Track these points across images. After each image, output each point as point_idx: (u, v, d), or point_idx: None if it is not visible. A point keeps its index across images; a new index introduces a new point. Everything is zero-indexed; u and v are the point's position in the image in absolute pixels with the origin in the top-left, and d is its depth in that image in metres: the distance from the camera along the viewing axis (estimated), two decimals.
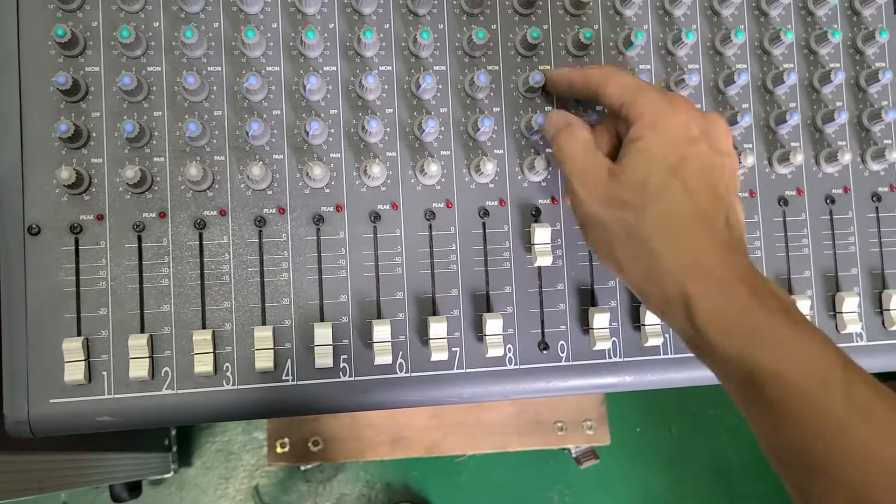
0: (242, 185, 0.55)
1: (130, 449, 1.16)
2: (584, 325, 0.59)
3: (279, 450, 1.44)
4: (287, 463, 1.46)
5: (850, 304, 0.60)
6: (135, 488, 1.28)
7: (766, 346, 0.42)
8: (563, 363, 0.59)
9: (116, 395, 0.53)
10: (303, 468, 1.54)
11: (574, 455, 1.54)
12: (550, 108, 0.59)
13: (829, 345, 0.42)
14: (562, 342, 0.59)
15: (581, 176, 0.50)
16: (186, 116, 0.55)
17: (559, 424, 1.49)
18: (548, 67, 0.59)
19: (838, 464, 0.39)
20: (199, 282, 0.55)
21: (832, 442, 0.39)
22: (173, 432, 1.43)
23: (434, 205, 0.58)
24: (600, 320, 0.58)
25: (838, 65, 0.63)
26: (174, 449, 1.43)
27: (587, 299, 0.59)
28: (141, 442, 1.25)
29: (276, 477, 1.55)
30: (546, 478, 1.60)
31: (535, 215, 0.59)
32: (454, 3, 0.59)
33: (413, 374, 0.57)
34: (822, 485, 0.40)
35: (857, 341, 0.62)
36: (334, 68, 0.57)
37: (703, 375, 0.58)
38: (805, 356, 0.41)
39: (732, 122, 0.59)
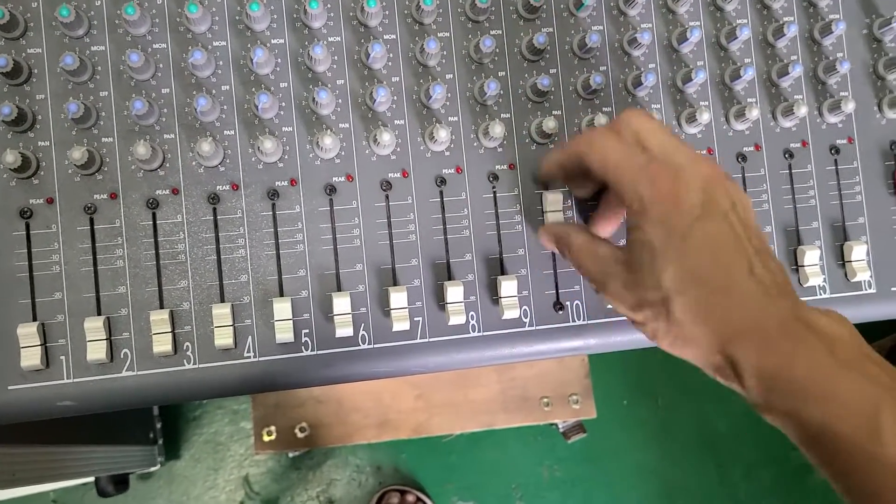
0: (194, 163, 0.55)
1: (112, 441, 1.15)
2: (548, 290, 0.59)
3: (266, 438, 1.44)
4: (275, 451, 1.46)
5: (812, 257, 0.60)
6: (121, 482, 1.27)
7: (809, 400, 0.41)
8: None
9: (76, 380, 0.53)
10: (291, 455, 1.54)
11: (562, 430, 1.54)
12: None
13: (877, 385, 0.41)
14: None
15: (600, 282, 0.51)
16: (133, 95, 0.54)
17: (545, 400, 1.49)
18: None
19: None
20: (154, 262, 0.54)
21: (886, 486, 0.39)
22: (159, 425, 1.43)
23: (390, 175, 0.57)
24: None
25: (792, 18, 0.63)
26: (160, 441, 1.43)
27: None
28: (123, 434, 1.25)
29: (266, 465, 1.55)
30: (535, 454, 1.61)
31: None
32: None
33: (376, 346, 0.56)
34: None
35: (821, 294, 0.62)
36: (282, 41, 0.56)
37: None
38: (851, 405, 0.40)
39: (687, 79, 0.59)
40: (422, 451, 1.57)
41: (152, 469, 1.44)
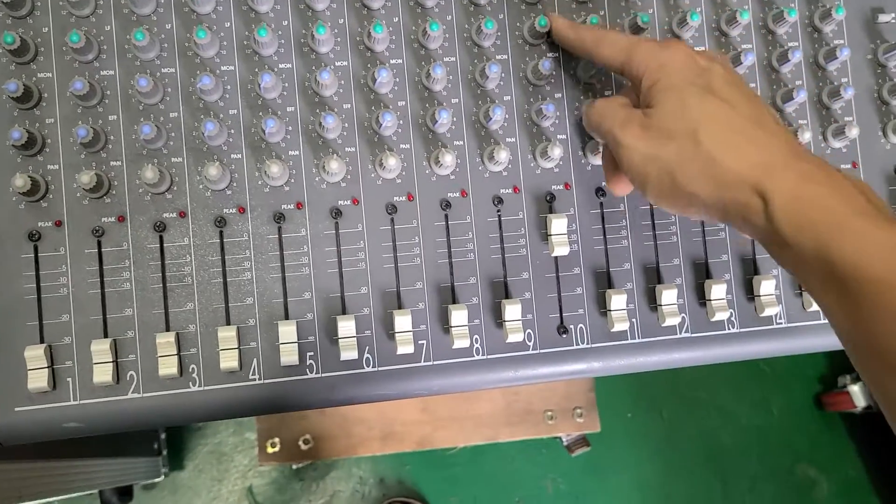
0: (201, 186, 0.55)
1: (116, 454, 1.16)
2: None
3: (270, 449, 1.44)
4: (279, 462, 1.46)
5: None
6: (126, 493, 1.28)
7: (845, 238, 0.41)
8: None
9: (82, 401, 0.53)
10: (295, 467, 1.54)
11: (565, 443, 1.54)
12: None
13: None
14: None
15: (623, 126, 0.50)
16: (141, 119, 0.55)
17: (549, 413, 1.49)
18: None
19: None
20: (161, 284, 0.55)
21: None
22: (163, 436, 1.43)
23: (395, 198, 0.58)
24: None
25: (796, 44, 0.63)
26: (164, 452, 1.43)
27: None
28: (128, 447, 1.25)
29: (269, 477, 1.55)
30: (539, 467, 1.60)
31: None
32: None
33: (380, 369, 0.57)
34: None
35: (818, 320, 0.62)
36: (289, 65, 0.57)
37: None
38: (884, 247, 0.40)
39: None
40: (425, 464, 1.57)
41: (156, 480, 1.44)
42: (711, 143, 0.46)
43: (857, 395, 1.58)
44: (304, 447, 1.44)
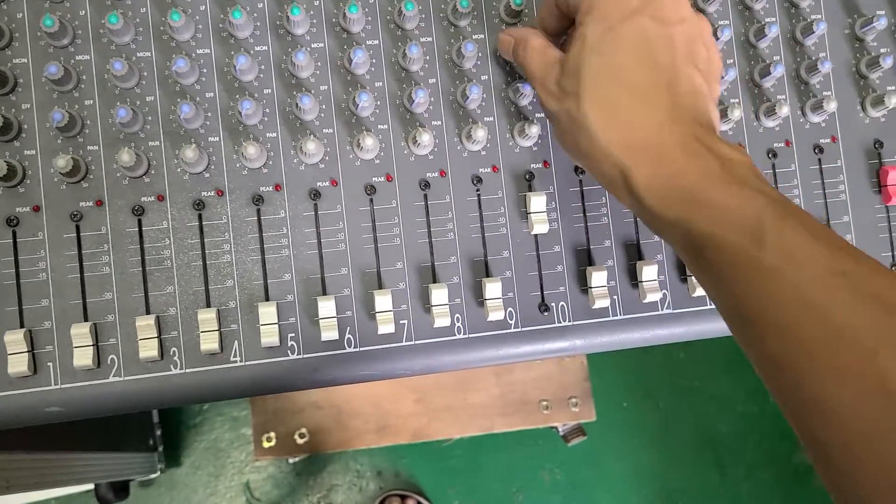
0: (179, 170, 0.55)
1: (110, 448, 1.16)
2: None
3: (266, 444, 1.44)
4: (275, 457, 1.47)
5: None
6: (122, 489, 1.28)
7: (699, 210, 0.43)
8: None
9: (63, 386, 0.53)
10: (291, 461, 1.54)
11: (562, 433, 1.55)
12: None
13: (765, 197, 0.42)
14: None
15: (539, 79, 0.52)
16: (118, 103, 0.55)
17: (544, 403, 1.50)
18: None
19: (770, 311, 0.39)
20: (140, 268, 0.55)
21: (762, 291, 0.40)
22: (158, 432, 1.43)
23: (374, 179, 0.58)
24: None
25: (773, 18, 0.63)
26: (160, 448, 1.43)
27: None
28: (122, 441, 1.25)
29: (267, 472, 1.55)
30: (535, 457, 1.61)
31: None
32: None
33: (362, 349, 0.57)
34: (759, 332, 0.40)
35: None
36: (265, 48, 0.57)
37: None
38: (735, 214, 0.41)
39: None
40: (422, 456, 1.57)
41: (153, 476, 1.44)
42: (587, 112, 0.47)
43: None
44: (300, 441, 1.44)
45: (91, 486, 1.24)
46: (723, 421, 1.66)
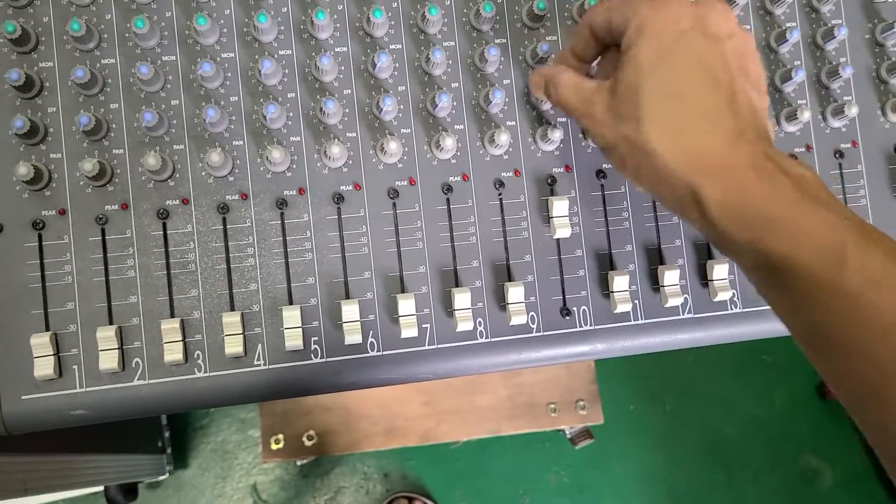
0: (203, 173, 0.56)
1: (120, 450, 1.16)
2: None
3: (274, 446, 1.44)
4: (282, 459, 1.46)
5: None
6: (130, 491, 1.28)
7: (776, 232, 0.42)
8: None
9: (88, 389, 0.53)
10: (299, 463, 1.54)
11: (569, 436, 1.54)
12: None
13: (843, 219, 0.41)
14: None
15: (582, 113, 0.50)
16: (143, 107, 0.55)
17: (552, 406, 1.49)
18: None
19: (853, 336, 0.39)
20: (164, 271, 0.55)
21: (844, 315, 0.39)
22: (167, 434, 1.43)
23: (397, 183, 0.58)
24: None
25: (794, 23, 0.63)
26: (168, 450, 1.43)
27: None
28: (132, 443, 1.25)
29: (274, 474, 1.55)
30: (542, 460, 1.61)
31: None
32: None
33: (385, 353, 0.57)
34: (842, 360, 0.40)
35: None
36: (289, 52, 0.57)
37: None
38: (814, 236, 0.41)
39: None
40: (429, 458, 1.57)
41: (161, 478, 1.44)
42: (649, 136, 0.46)
43: None
44: (307, 443, 1.44)
45: (99, 489, 1.24)
46: (729, 424, 1.66)
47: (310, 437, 1.44)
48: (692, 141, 0.45)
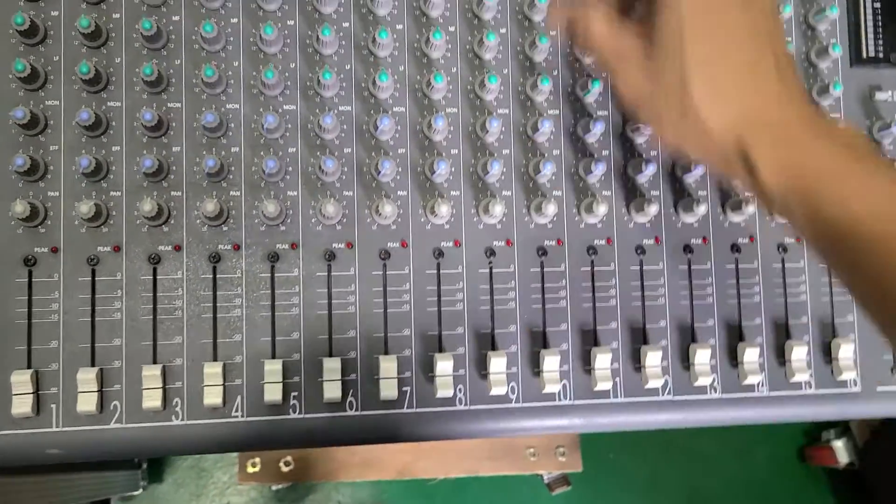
0: (198, 221, 0.56)
1: (98, 468, 1.15)
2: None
3: (250, 469, 1.43)
4: (258, 482, 1.45)
5: (799, 353, 0.61)
6: None
7: (832, 192, 0.41)
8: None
9: (65, 429, 0.54)
10: (274, 488, 1.53)
11: (546, 481, 1.54)
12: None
13: None
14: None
15: (617, 59, 0.49)
16: (144, 152, 0.55)
17: (531, 450, 1.49)
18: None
19: None
20: (151, 316, 0.55)
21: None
22: None
23: (389, 244, 0.58)
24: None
25: None
26: (144, 466, 1.42)
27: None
28: (109, 459, 1.24)
29: (248, 495, 1.54)
30: (518, 503, 1.60)
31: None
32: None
33: (364, 413, 0.57)
34: None
35: (806, 389, 0.62)
36: (293, 107, 0.58)
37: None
38: (874, 195, 0.40)
39: (686, 170, 0.60)
40: (405, 494, 1.56)
41: (134, 493, 1.43)
42: (697, 88, 0.44)
43: (841, 450, 1.58)
44: (284, 469, 1.43)
45: None
46: (709, 481, 1.65)
47: (287, 463, 1.43)
48: (741, 95, 0.44)
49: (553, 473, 1.53)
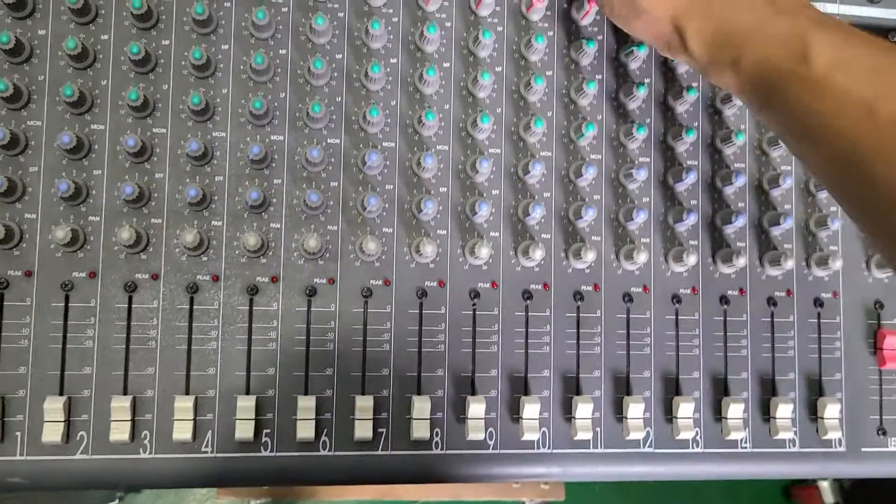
0: (177, 250, 0.55)
1: None
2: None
3: None
4: (237, 498, 1.44)
5: (784, 410, 0.60)
6: None
7: (748, 45, 0.46)
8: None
9: (29, 458, 0.52)
10: (253, 503, 1.51)
11: None
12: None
13: (804, 18, 0.45)
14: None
15: None
16: (126, 177, 0.54)
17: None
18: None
19: (829, 121, 0.42)
20: (124, 346, 0.54)
21: (818, 102, 0.42)
22: None
23: (372, 282, 0.57)
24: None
25: (789, 168, 0.63)
26: None
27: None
28: None
29: None
30: None
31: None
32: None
33: (336, 453, 0.56)
34: (825, 147, 0.43)
35: (790, 447, 0.61)
36: (281, 138, 0.57)
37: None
38: (778, 39, 0.45)
39: (678, 218, 0.59)
40: None
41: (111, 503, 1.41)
42: None
43: (827, 491, 1.57)
44: (263, 485, 1.42)
45: None
46: None
47: None
48: None
49: (535, 501, 1.51)
